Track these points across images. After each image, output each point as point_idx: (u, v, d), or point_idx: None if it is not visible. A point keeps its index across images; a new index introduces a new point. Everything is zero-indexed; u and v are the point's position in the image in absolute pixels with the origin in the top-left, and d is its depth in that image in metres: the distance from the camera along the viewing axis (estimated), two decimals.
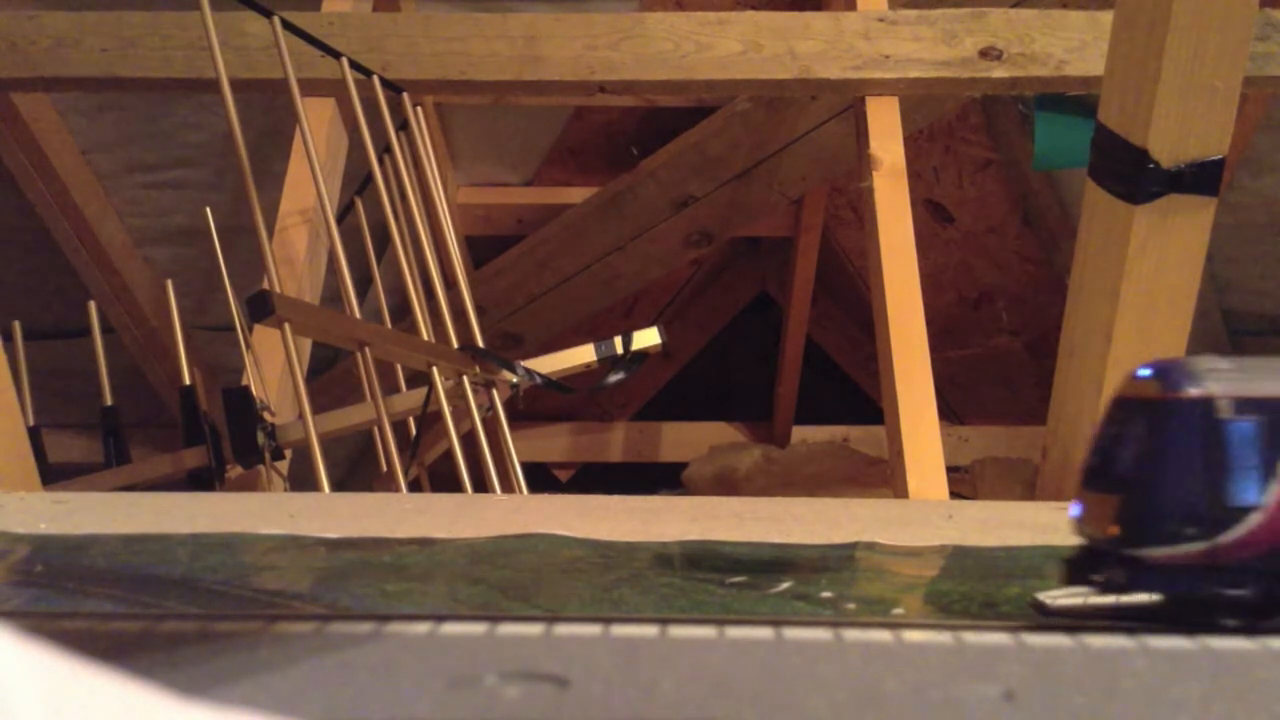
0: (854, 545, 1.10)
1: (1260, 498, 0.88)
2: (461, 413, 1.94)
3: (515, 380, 1.99)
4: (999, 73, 2.37)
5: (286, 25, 1.96)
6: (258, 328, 1.90)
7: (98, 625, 0.94)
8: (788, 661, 0.79)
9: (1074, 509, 0.88)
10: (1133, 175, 1.38)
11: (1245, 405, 0.90)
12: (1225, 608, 0.86)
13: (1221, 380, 0.92)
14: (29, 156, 2.85)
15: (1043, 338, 3.99)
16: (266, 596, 1.02)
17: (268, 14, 1.94)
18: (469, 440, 1.90)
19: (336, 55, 2.06)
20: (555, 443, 4.25)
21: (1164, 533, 0.89)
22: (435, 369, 1.88)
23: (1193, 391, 0.91)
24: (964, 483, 3.89)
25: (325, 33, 2.24)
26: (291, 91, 1.88)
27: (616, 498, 1.30)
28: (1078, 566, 0.87)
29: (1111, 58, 1.41)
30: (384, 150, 2.08)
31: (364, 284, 2.32)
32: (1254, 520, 0.88)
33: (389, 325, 2.23)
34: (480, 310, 2.50)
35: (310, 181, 2.00)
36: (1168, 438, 0.90)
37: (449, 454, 1.84)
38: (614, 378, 2.06)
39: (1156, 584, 0.91)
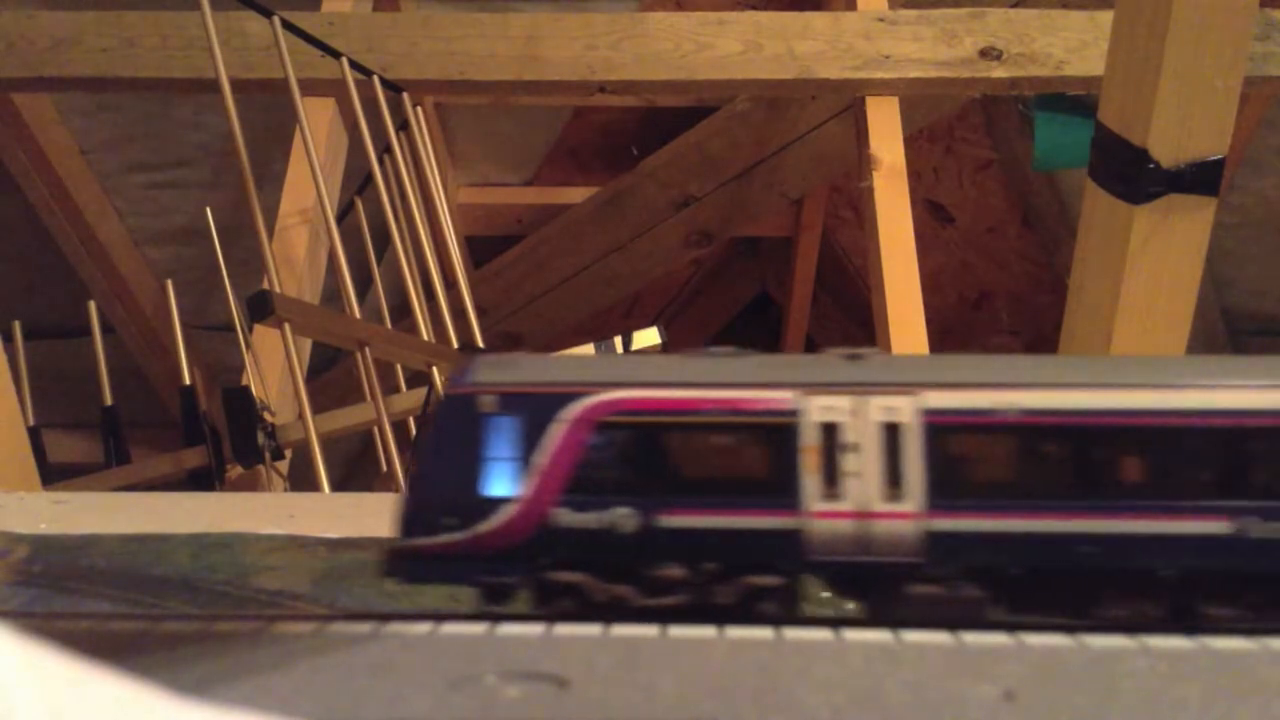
0: None
1: (517, 488, 0.90)
2: None
3: None
4: (999, 73, 2.37)
5: (286, 25, 1.96)
6: (258, 328, 1.90)
7: (98, 625, 0.94)
8: (788, 661, 0.79)
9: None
10: (1133, 175, 1.38)
11: (510, 400, 0.92)
12: (492, 594, 0.91)
13: (492, 375, 0.94)
14: (29, 156, 2.85)
15: (1043, 338, 3.99)
16: (267, 596, 1.02)
17: (268, 14, 1.94)
18: None
19: (336, 55, 2.06)
20: None
21: (427, 523, 0.90)
22: (435, 369, 1.88)
23: (459, 387, 0.93)
24: None
25: (325, 33, 2.24)
26: (291, 91, 1.88)
27: None
28: (391, 559, 0.91)
29: (1111, 58, 1.41)
30: (384, 150, 2.08)
31: (364, 284, 2.32)
32: (511, 510, 0.90)
33: (389, 325, 2.23)
34: (480, 310, 2.50)
35: (310, 181, 2.00)
36: (437, 432, 0.92)
37: None
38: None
39: (428, 573, 0.93)
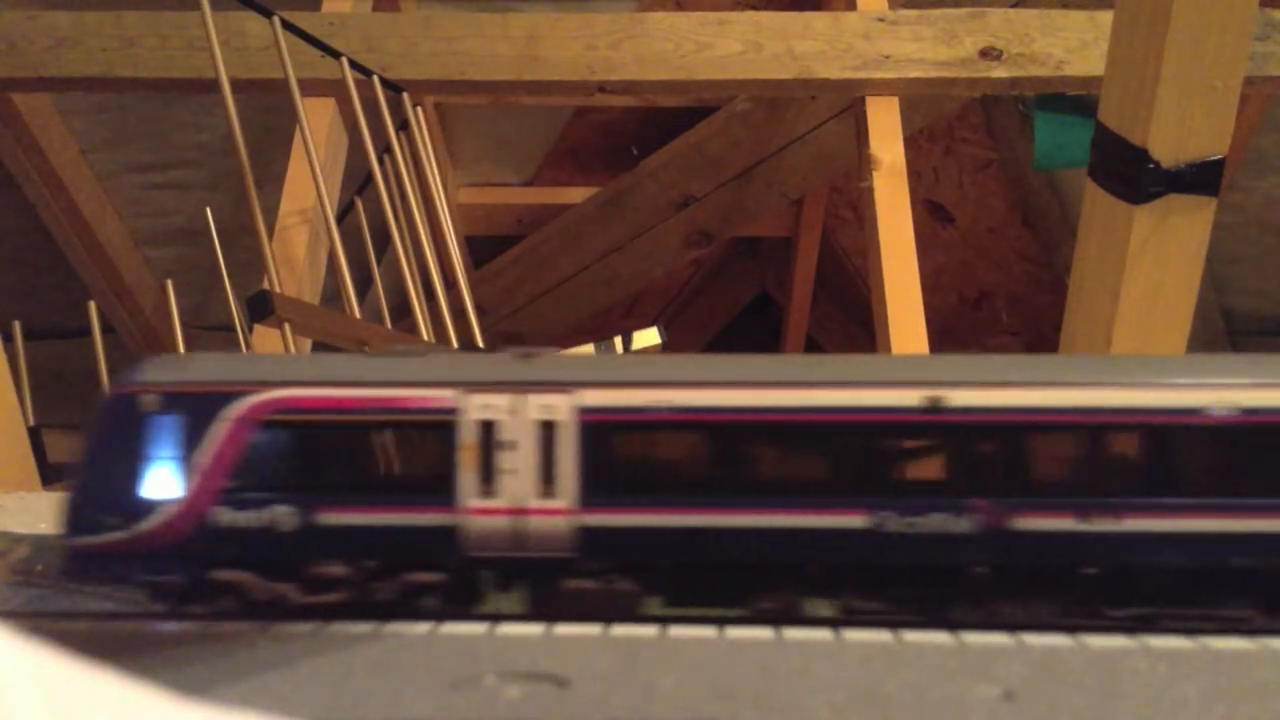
0: None
1: (177, 488, 0.91)
2: None
3: None
4: (999, 73, 2.37)
5: (286, 25, 1.96)
6: (258, 328, 1.89)
7: (98, 625, 0.94)
8: (788, 661, 0.79)
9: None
10: (1133, 175, 1.38)
11: (173, 400, 0.93)
12: (157, 593, 0.92)
13: (157, 374, 0.95)
14: (29, 156, 2.85)
15: (1043, 338, 3.99)
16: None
17: (268, 14, 1.94)
18: None
19: (336, 55, 2.06)
20: None
21: (91, 522, 0.92)
22: None
23: (122, 386, 0.94)
24: None
25: (325, 33, 2.24)
26: (291, 91, 1.88)
27: None
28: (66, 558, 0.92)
29: (1111, 58, 1.41)
30: (384, 150, 2.08)
31: (364, 284, 2.32)
32: (171, 509, 0.91)
33: (389, 325, 2.23)
34: (480, 310, 2.50)
35: (310, 181, 2.00)
36: (99, 431, 0.93)
37: None
38: None
39: (95, 572, 0.93)
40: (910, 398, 0.93)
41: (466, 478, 0.92)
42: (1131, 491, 0.93)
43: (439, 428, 0.93)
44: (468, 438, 0.93)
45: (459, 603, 0.93)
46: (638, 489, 0.94)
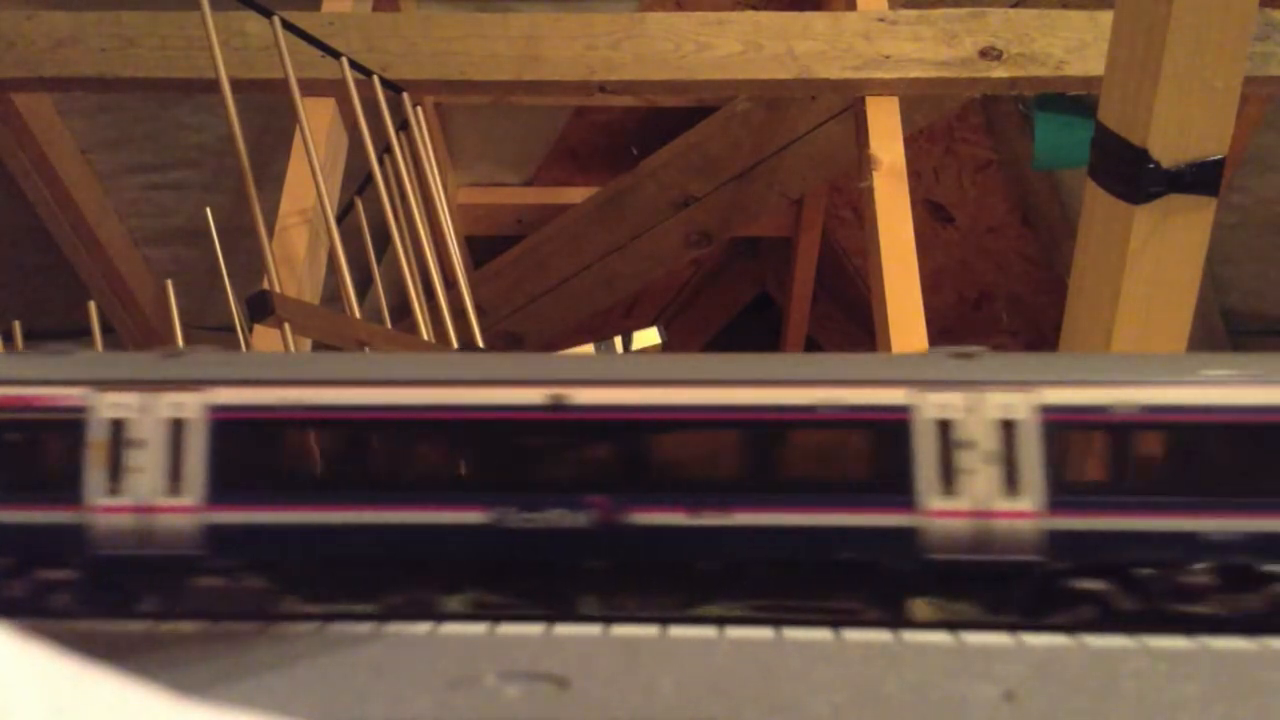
0: None
1: None
2: None
3: None
4: (999, 73, 2.37)
5: (286, 25, 1.96)
6: (258, 328, 1.89)
7: (98, 625, 0.94)
8: (788, 661, 0.79)
9: None
10: (1133, 175, 1.38)
11: None
12: None
13: None
14: (29, 156, 2.85)
15: (1043, 338, 3.99)
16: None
17: (268, 14, 1.94)
18: None
19: (336, 55, 2.06)
20: None
21: None
22: None
23: None
24: None
25: (325, 33, 2.23)
26: (291, 91, 1.88)
27: None
28: None
29: (1111, 58, 1.41)
30: (384, 150, 2.08)
31: (364, 284, 2.32)
32: None
33: (389, 325, 2.23)
34: (480, 310, 2.50)
35: (310, 181, 2.00)
36: None
37: None
38: None
39: None
40: (533, 396, 0.95)
41: (95, 476, 0.94)
42: (741, 487, 0.96)
43: (69, 426, 0.95)
44: (97, 435, 0.94)
45: (94, 602, 0.94)
46: (265, 486, 0.96)
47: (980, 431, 0.95)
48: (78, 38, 2.37)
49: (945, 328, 4.01)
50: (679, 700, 0.68)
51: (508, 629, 0.90)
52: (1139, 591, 0.92)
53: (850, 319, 4.35)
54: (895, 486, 0.94)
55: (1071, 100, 2.61)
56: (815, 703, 0.68)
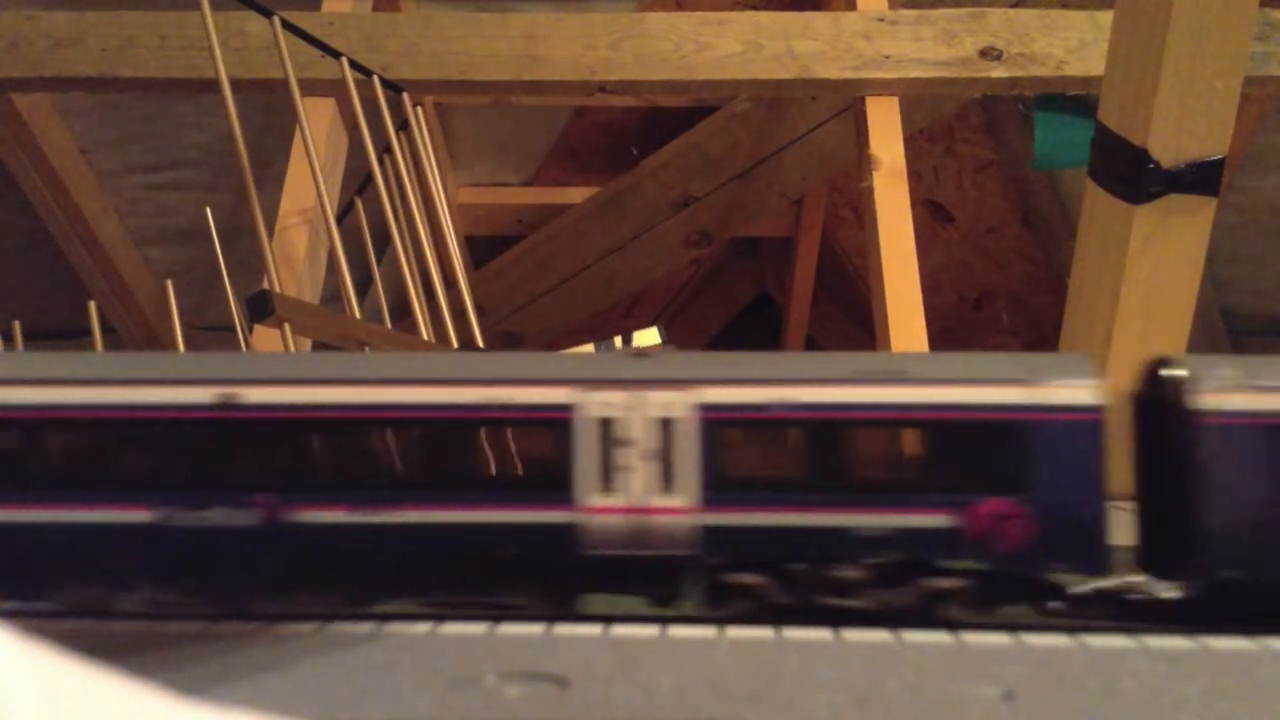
0: None
1: None
2: None
3: None
4: (999, 73, 2.37)
5: (286, 25, 1.96)
6: (258, 328, 1.89)
7: (98, 625, 0.94)
8: (788, 661, 0.79)
9: None
10: (1133, 175, 1.38)
11: None
12: None
13: None
14: (29, 156, 2.85)
15: (1043, 338, 3.99)
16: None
17: (268, 14, 1.94)
18: None
19: (336, 55, 2.06)
20: None
21: None
22: None
23: None
24: None
25: (325, 33, 2.23)
26: (291, 91, 1.88)
27: None
28: None
29: (1111, 58, 1.41)
30: (384, 150, 2.08)
31: (364, 284, 2.32)
32: None
33: (389, 325, 2.23)
34: (480, 310, 2.50)
35: (310, 181, 2.00)
36: None
37: None
38: None
39: None
40: (201, 395, 0.97)
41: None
42: (408, 484, 0.99)
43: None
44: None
45: None
46: None
47: (640, 430, 0.97)
48: (78, 38, 2.37)
49: (945, 328, 4.01)
50: (679, 700, 0.68)
51: (508, 629, 0.90)
52: (792, 586, 0.94)
53: (850, 319, 4.35)
54: (557, 484, 0.96)
55: (1071, 100, 2.61)
56: (815, 703, 0.68)
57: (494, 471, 1.00)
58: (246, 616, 0.95)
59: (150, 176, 3.23)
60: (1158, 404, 0.98)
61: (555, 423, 0.97)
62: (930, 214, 3.86)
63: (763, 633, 0.89)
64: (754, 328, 4.51)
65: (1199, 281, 1.46)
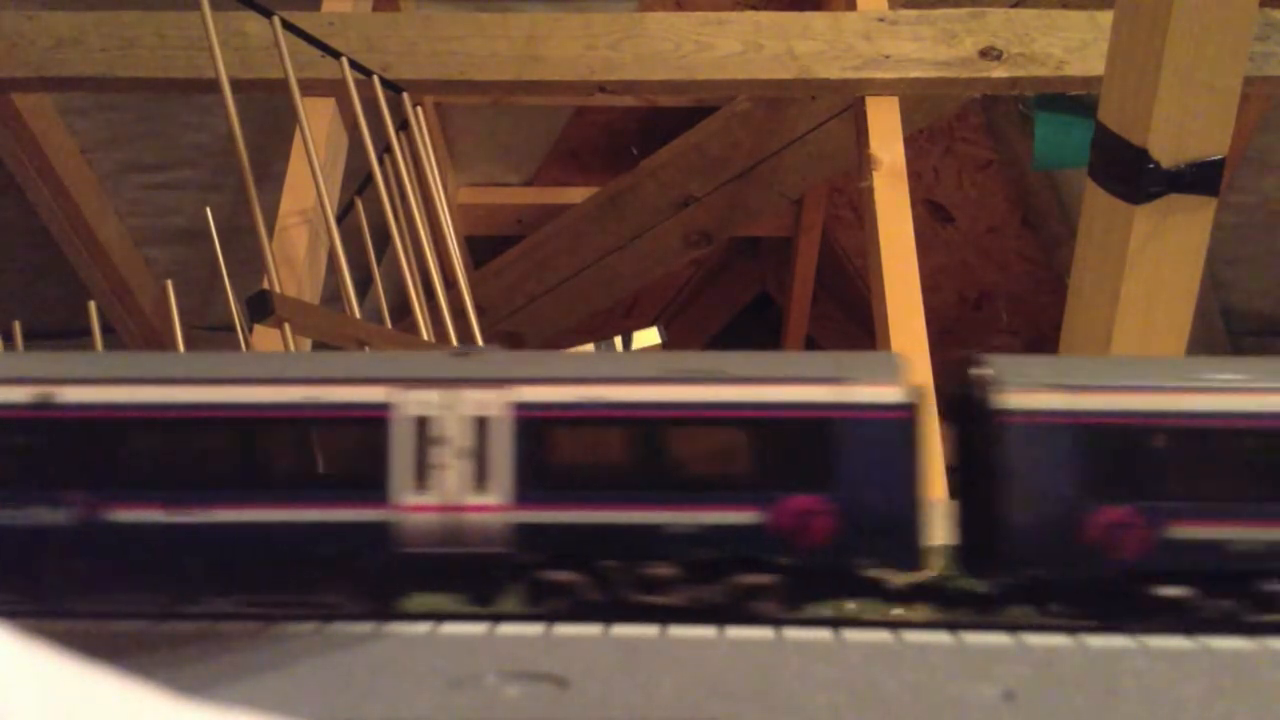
0: None
1: None
2: None
3: None
4: (999, 73, 2.37)
5: (286, 25, 1.96)
6: (258, 328, 1.89)
7: (98, 625, 0.94)
8: (788, 661, 0.79)
9: None
10: (1133, 175, 1.38)
11: None
12: None
13: None
14: (29, 156, 2.85)
15: (1043, 338, 3.99)
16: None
17: (268, 14, 1.94)
18: None
19: (336, 55, 2.06)
20: None
21: None
22: None
23: None
24: None
25: (325, 33, 2.23)
26: (291, 91, 1.88)
27: None
28: None
29: (1111, 58, 1.41)
30: (384, 150, 2.08)
31: (364, 284, 2.32)
32: None
33: (389, 325, 2.23)
34: (480, 310, 2.50)
35: (310, 181, 2.00)
36: None
37: None
38: None
39: None
40: (18, 395, 0.98)
41: None
42: (224, 483, 0.99)
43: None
44: None
45: None
46: None
47: (455, 428, 0.97)
48: (78, 38, 2.37)
49: (945, 328, 4.01)
50: (679, 700, 0.68)
51: (508, 629, 0.90)
52: (606, 583, 0.95)
53: (850, 319, 4.35)
54: (373, 482, 0.97)
55: (1071, 100, 2.61)
56: (815, 703, 0.68)
57: (311, 470, 1.01)
58: (246, 617, 0.95)
59: (150, 176, 3.23)
60: (967, 403, 0.99)
61: (371, 421, 0.98)
62: (930, 214, 3.86)
63: (763, 633, 0.89)
64: (754, 328, 4.51)
65: (1199, 281, 1.46)
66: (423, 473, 0.97)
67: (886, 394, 0.97)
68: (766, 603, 0.94)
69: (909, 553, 0.95)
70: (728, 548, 0.95)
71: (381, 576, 0.96)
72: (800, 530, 0.94)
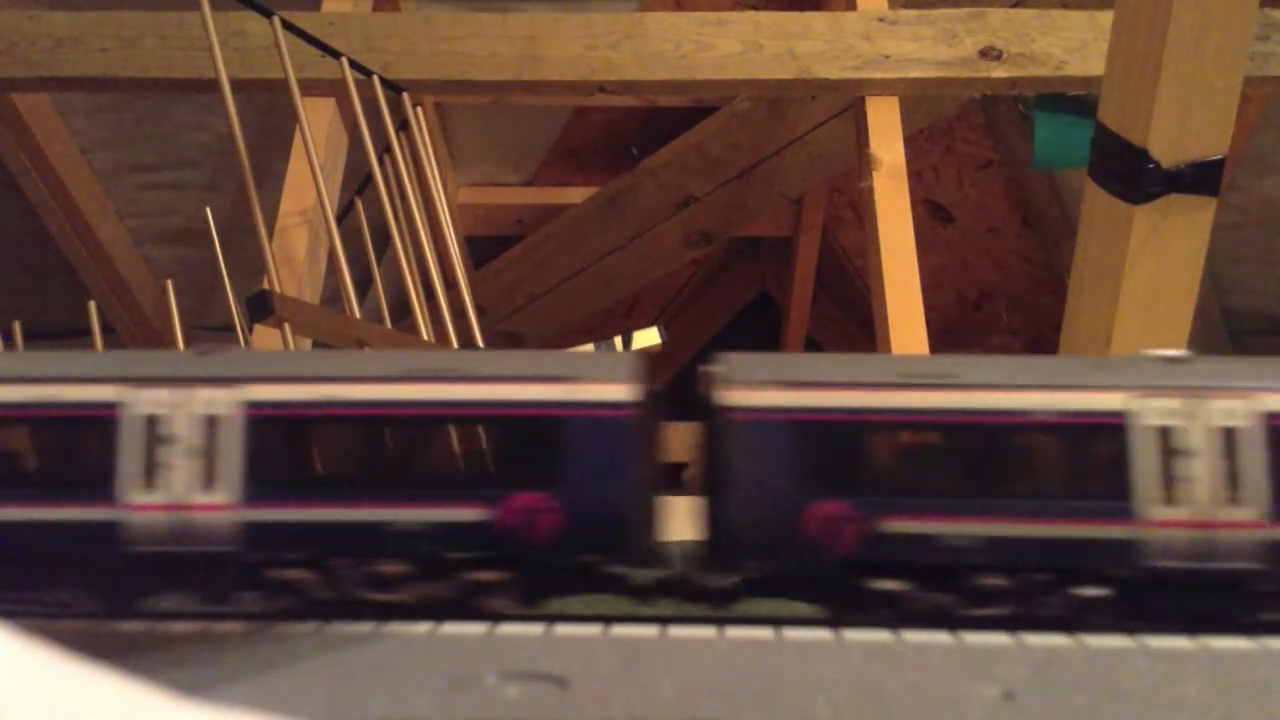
0: None
1: None
2: None
3: None
4: (999, 73, 2.37)
5: (286, 25, 1.96)
6: (258, 328, 1.89)
7: (98, 625, 0.94)
8: (788, 661, 0.79)
9: None
10: (1133, 175, 1.38)
11: None
12: None
13: None
14: (29, 156, 2.85)
15: (1043, 338, 3.99)
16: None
17: (268, 14, 1.94)
18: None
19: (336, 55, 2.06)
20: None
21: None
22: None
23: None
24: None
25: (325, 33, 2.23)
26: (291, 91, 1.88)
27: None
28: None
29: (1111, 58, 1.41)
30: (384, 150, 2.08)
31: (364, 284, 2.32)
32: None
33: (389, 325, 2.23)
34: (480, 310, 2.50)
35: (310, 181, 2.00)
36: None
37: None
38: None
39: None
40: None
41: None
42: None
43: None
44: None
45: None
46: None
47: (185, 427, 0.98)
48: (78, 38, 2.37)
49: (945, 328, 4.01)
50: (679, 700, 0.68)
51: (508, 629, 0.90)
52: (335, 581, 0.96)
53: (850, 319, 4.35)
54: (101, 481, 0.98)
55: (1071, 100, 2.61)
56: (815, 703, 0.68)
57: (40, 469, 1.02)
58: (246, 617, 0.95)
59: (150, 176, 3.23)
60: (703, 402, 1.01)
61: (101, 420, 0.98)
62: (930, 214, 3.86)
63: (763, 633, 0.89)
64: (754, 328, 4.51)
65: (1199, 281, 1.46)
66: (151, 472, 0.98)
67: (613, 392, 0.98)
68: (498, 599, 0.95)
69: (635, 549, 0.97)
70: (455, 545, 0.96)
71: (109, 576, 0.97)
72: (526, 527, 0.95)
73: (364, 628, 0.90)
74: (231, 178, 3.08)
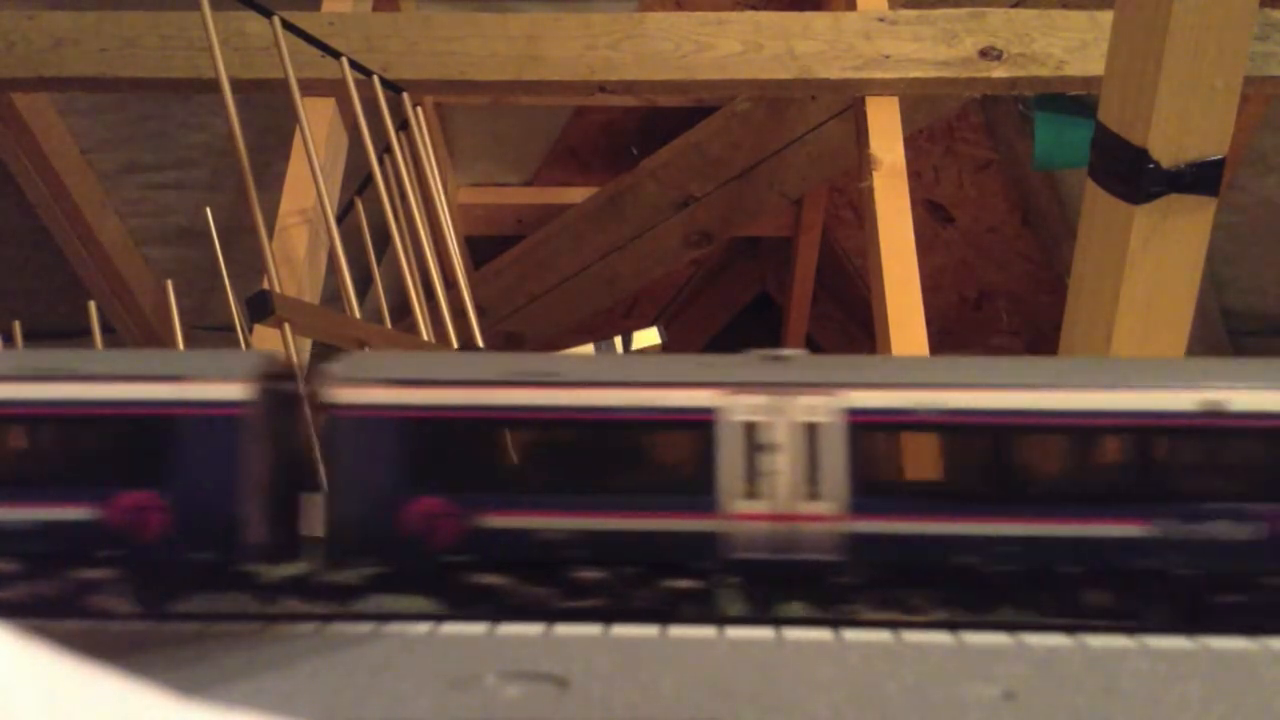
0: None
1: None
2: None
3: None
4: (999, 73, 2.37)
5: (286, 25, 1.95)
6: (258, 328, 1.89)
7: (98, 625, 0.94)
8: (788, 661, 0.79)
9: None
10: (1133, 175, 1.38)
11: None
12: None
13: None
14: (29, 156, 2.85)
15: (1043, 338, 3.99)
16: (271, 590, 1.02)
17: (268, 14, 1.94)
18: None
19: (336, 55, 2.06)
20: None
21: None
22: None
23: None
24: None
25: (325, 33, 2.23)
26: (291, 91, 1.88)
27: None
28: None
29: (1111, 58, 1.41)
30: (384, 150, 2.08)
31: (364, 284, 2.32)
32: None
33: (389, 325, 2.23)
34: (480, 310, 2.50)
35: (310, 181, 2.00)
36: None
37: None
38: None
39: None
40: None
41: None
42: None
43: None
44: None
45: None
46: None
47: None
48: (78, 38, 2.37)
49: (945, 328, 4.01)
50: (679, 700, 0.68)
51: (508, 629, 0.90)
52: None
53: (850, 319, 4.35)
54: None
55: (1071, 100, 2.61)
56: (815, 703, 0.68)
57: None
58: (246, 617, 0.95)
59: (150, 176, 3.23)
60: (314, 400, 1.02)
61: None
62: (930, 214, 3.86)
63: (763, 633, 0.89)
64: (754, 328, 4.51)
65: (1199, 281, 1.46)
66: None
67: (224, 392, 0.99)
68: (110, 598, 0.96)
69: (243, 547, 0.97)
70: (62, 543, 0.97)
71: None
72: (133, 525, 0.97)
73: (364, 628, 0.90)
74: (231, 178, 3.08)
